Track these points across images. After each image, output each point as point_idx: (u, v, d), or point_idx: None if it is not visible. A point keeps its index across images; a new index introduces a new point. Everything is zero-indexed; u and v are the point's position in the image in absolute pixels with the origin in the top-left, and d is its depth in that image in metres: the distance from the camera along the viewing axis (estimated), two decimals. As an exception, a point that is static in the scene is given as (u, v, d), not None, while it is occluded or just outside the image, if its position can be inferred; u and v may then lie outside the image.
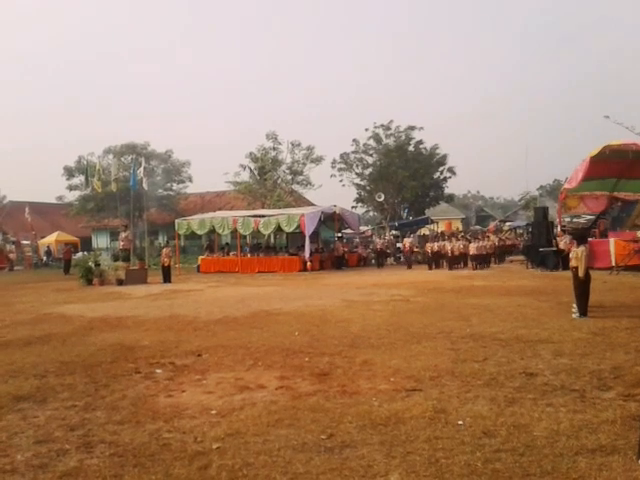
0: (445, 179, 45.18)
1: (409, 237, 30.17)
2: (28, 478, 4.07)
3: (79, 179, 41.85)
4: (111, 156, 41.85)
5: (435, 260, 26.32)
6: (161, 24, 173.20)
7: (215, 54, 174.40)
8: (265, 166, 39.44)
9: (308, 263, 27.11)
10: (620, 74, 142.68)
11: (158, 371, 7.19)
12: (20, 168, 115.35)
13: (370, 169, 44.07)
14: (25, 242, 42.45)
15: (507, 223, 50.44)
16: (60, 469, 4.20)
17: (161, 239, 45.19)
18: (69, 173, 42.40)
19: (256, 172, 40.27)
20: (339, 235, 33.54)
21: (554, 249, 22.41)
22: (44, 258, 41.65)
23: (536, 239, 24.58)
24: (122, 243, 25.92)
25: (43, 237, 44.98)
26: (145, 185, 29.92)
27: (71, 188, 43.35)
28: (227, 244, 32.75)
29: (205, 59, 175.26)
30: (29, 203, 45.09)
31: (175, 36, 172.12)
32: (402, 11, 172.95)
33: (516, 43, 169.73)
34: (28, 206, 42.99)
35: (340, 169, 44.04)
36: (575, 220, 33.03)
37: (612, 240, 20.79)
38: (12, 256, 38.97)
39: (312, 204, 40.10)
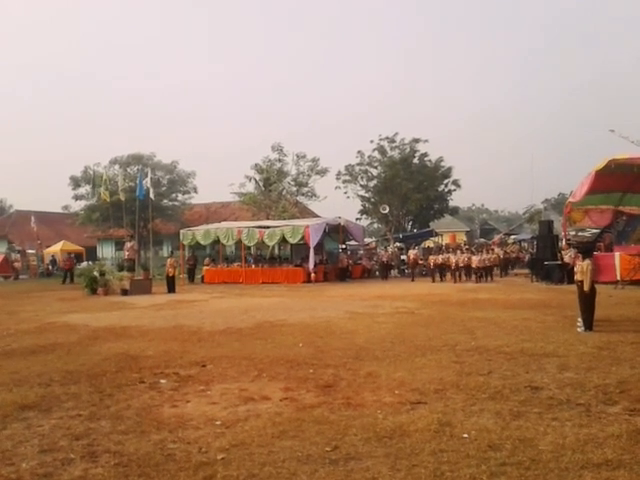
0: (450, 192, 45.13)
1: (413, 249, 30.12)
2: (33, 487, 4.08)
3: (85, 189, 42.22)
4: (117, 166, 42.19)
5: (439, 272, 26.32)
6: (169, 38, 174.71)
7: (220, 68, 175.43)
8: (270, 177, 39.59)
9: (312, 274, 27.08)
10: (623, 84, 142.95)
11: (162, 381, 7.20)
12: (27, 178, 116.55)
13: (375, 181, 44.05)
14: (30, 251, 42.61)
15: (512, 236, 50.31)
16: (65, 478, 4.21)
17: (166, 249, 45.28)
18: (75, 183, 42.63)
19: (261, 183, 40.44)
20: (343, 247, 33.51)
21: (559, 262, 22.40)
22: (49, 267, 41.77)
23: (541, 252, 24.57)
24: (127, 253, 26.07)
25: (48, 246, 45.11)
26: (152, 195, 30.04)
27: (77, 198, 43.57)
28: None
29: (209, 73, 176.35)
30: (35, 212, 45.34)
31: (181, 49, 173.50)
32: (404, 25, 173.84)
33: (520, 54, 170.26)
34: (34, 215, 43.23)
35: (345, 181, 44.00)
36: (580, 234, 32.97)
37: (617, 254, 20.70)
38: (17, 265, 39.13)
39: (317, 215, 40.19)
